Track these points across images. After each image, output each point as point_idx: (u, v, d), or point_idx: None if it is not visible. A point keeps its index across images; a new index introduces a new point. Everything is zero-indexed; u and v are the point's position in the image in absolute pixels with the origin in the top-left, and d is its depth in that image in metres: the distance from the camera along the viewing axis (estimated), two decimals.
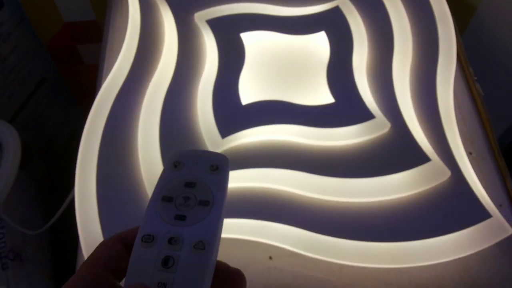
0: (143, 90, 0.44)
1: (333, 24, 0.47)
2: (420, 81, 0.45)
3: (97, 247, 0.23)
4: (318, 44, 0.46)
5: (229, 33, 0.46)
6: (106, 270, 0.22)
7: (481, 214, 0.38)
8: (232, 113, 0.42)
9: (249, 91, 0.43)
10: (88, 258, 0.22)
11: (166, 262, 0.21)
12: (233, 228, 0.37)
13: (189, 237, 0.21)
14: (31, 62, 0.69)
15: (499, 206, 0.42)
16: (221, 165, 0.25)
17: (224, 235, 0.25)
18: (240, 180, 0.39)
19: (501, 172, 0.44)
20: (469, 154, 0.44)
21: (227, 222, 0.33)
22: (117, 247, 0.23)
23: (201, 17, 0.47)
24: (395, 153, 0.40)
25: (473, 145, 0.45)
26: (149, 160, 0.40)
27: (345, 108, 0.42)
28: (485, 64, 0.60)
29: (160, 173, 0.25)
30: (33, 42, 0.68)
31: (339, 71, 0.44)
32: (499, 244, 0.38)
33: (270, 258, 0.38)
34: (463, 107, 0.47)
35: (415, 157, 0.40)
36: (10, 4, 0.62)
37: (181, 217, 0.22)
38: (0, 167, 0.49)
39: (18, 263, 0.52)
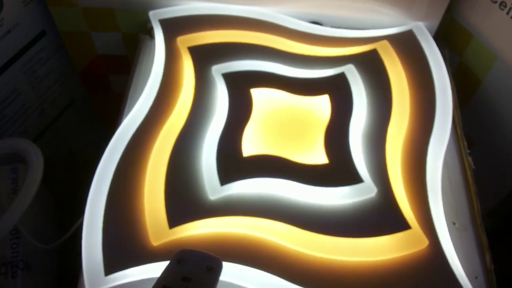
0: (157, 132, 0.48)
1: (337, 89, 0.51)
2: (411, 151, 0.48)
3: None
4: (320, 106, 0.50)
5: (241, 87, 0.51)
6: None
7: (453, 285, 0.41)
8: (233, 163, 0.45)
9: (252, 144, 0.47)
10: None
11: None
12: None
13: None
14: (64, 85, 0.75)
15: (474, 278, 0.44)
16: (215, 266, 0.30)
17: None
18: (231, 226, 0.43)
19: (482, 245, 0.46)
20: (452, 224, 0.47)
21: None
22: None
23: (218, 70, 0.52)
24: (378, 217, 0.43)
25: (457, 215, 0.48)
26: (153, 197, 0.44)
27: (336, 170, 0.45)
28: (487, 135, 0.63)
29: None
30: (67, 68, 0.74)
31: (336, 134, 0.48)
32: None
33: None
34: (453, 178, 0.50)
35: (396, 224, 0.43)
36: (51, 33, 0.68)
37: None
38: (23, 184, 0.54)
39: (26, 272, 0.56)
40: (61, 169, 0.81)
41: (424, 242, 0.42)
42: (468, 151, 0.52)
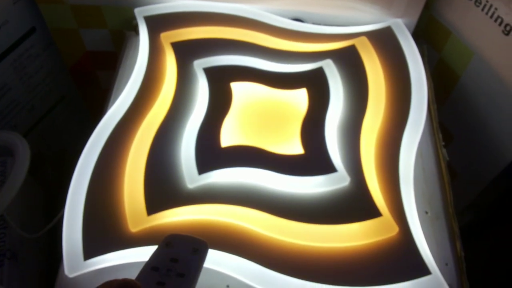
0: (138, 123, 0.50)
1: (314, 83, 0.52)
2: (385, 143, 0.49)
3: (102, 284, 0.28)
4: (298, 99, 0.52)
5: (221, 81, 0.52)
6: None
7: (422, 270, 0.42)
8: (211, 153, 0.47)
9: (230, 135, 0.49)
10: None
11: None
12: None
13: None
14: (54, 81, 0.76)
15: (445, 265, 0.45)
16: (200, 248, 0.33)
17: None
18: (208, 213, 0.44)
19: (453, 233, 0.48)
20: (425, 213, 0.49)
21: None
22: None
23: (199, 65, 0.54)
24: (351, 205, 0.45)
25: (430, 205, 0.49)
26: (133, 185, 0.46)
27: (311, 160, 0.47)
28: (466, 128, 0.64)
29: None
30: (57, 64, 0.75)
31: (312, 126, 0.49)
32: None
33: (227, 286, 0.43)
34: (427, 168, 0.52)
35: (368, 211, 0.44)
36: (41, 30, 0.69)
37: (162, 284, 0.30)
38: (10, 174, 0.55)
39: (13, 261, 0.57)
40: (51, 162, 0.82)
41: (394, 229, 0.44)
42: (443, 143, 0.53)
